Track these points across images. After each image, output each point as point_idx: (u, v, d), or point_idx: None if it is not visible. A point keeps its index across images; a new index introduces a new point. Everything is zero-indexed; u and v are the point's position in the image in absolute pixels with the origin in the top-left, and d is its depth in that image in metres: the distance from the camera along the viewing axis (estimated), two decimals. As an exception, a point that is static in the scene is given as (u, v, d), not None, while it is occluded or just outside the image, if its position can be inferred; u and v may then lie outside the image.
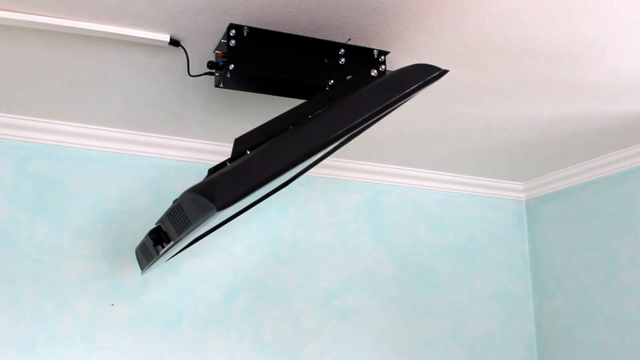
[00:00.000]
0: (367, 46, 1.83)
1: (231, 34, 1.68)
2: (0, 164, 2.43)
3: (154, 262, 1.88)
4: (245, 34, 1.69)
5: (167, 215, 1.55)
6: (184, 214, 1.44)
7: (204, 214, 1.33)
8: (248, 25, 1.70)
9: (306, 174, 2.85)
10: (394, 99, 1.47)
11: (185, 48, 1.84)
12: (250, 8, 1.64)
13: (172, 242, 1.61)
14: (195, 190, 1.33)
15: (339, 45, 1.78)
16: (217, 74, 1.76)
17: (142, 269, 2.04)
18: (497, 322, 3.05)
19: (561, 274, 3.01)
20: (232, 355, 2.55)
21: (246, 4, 1.62)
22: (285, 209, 2.80)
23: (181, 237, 1.52)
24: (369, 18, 1.68)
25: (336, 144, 1.49)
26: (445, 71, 1.56)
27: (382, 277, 2.88)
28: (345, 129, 1.42)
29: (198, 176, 2.65)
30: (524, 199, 3.28)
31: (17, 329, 2.30)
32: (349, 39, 1.80)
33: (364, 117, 1.43)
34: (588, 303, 2.85)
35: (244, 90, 1.83)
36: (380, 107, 1.45)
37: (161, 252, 1.75)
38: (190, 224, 1.43)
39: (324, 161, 2.85)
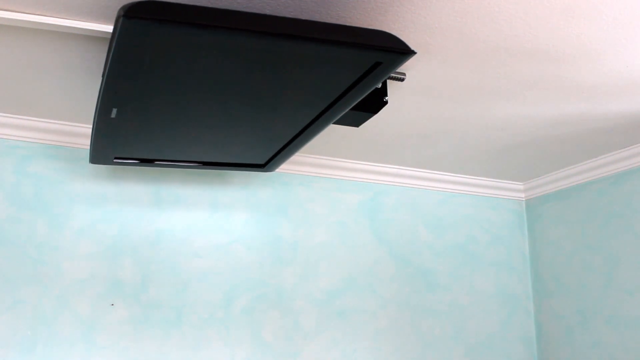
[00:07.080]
0: (367, 46, 1.82)
1: (231, 34, 1.67)
2: (0, 164, 2.43)
3: (94, 131, 1.81)
4: (245, 34, 1.69)
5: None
6: (112, 34, 1.39)
7: (117, 25, 1.30)
8: (248, 25, 1.70)
9: (306, 173, 2.85)
10: (339, 40, 1.42)
11: (185, 48, 1.84)
12: (249, 8, 1.63)
13: (102, 80, 1.54)
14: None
15: (339, 45, 1.77)
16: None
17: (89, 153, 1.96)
18: (497, 322, 3.05)
19: (561, 274, 3.01)
20: (232, 355, 2.55)
21: (246, 4, 1.62)
22: (285, 209, 2.80)
23: (106, 68, 1.45)
24: (369, 17, 1.68)
25: (262, 43, 1.42)
26: (412, 52, 1.50)
27: (382, 277, 2.88)
28: (280, 33, 1.39)
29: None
30: (524, 199, 3.28)
31: (17, 329, 2.30)
32: (349, 39, 1.79)
33: (302, 35, 1.40)
34: (588, 303, 2.84)
35: (243, 90, 1.82)
36: (321, 38, 1.41)
37: (96, 107, 1.66)
38: (112, 44, 1.37)
39: (324, 161, 2.85)
